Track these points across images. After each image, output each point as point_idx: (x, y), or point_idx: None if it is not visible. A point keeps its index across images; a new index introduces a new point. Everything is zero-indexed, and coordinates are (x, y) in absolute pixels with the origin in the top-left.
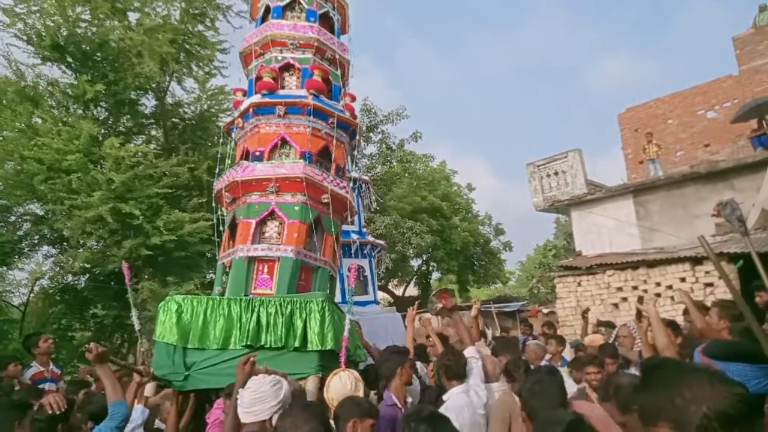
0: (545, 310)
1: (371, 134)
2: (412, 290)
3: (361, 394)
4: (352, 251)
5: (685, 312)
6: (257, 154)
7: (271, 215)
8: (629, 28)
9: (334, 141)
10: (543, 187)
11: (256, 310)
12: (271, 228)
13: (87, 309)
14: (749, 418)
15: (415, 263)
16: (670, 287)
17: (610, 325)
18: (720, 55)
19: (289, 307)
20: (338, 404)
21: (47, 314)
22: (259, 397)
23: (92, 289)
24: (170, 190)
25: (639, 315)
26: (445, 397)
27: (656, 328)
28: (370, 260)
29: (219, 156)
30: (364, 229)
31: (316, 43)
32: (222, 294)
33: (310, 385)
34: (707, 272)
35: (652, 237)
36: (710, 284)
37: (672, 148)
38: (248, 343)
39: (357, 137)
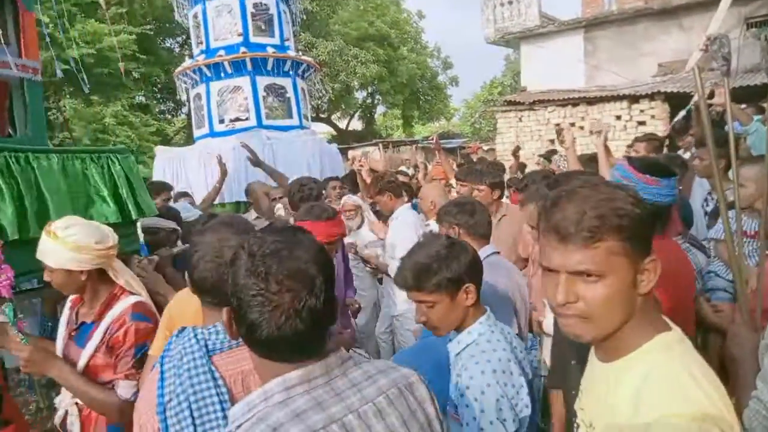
0: (485, 147)
1: None
2: (356, 124)
3: None
4: (268, 67)
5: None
6: None
7: None
8: None
9: None
10: (495, 17)
11: None
12: None
13: None
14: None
15: (359, 95)
16: (606, 124)
17: (548, 157)
18: None
19: None
20: None
21: None
22: None
23: None
24: None
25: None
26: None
27: (570, 156)
28: (294, 79)
29: None
30: (288, 43)
31: None
32: None
33: None
34: (642, 111)
35: (596, 75)
36: (643, 123)
37: None
38: None
39: None
